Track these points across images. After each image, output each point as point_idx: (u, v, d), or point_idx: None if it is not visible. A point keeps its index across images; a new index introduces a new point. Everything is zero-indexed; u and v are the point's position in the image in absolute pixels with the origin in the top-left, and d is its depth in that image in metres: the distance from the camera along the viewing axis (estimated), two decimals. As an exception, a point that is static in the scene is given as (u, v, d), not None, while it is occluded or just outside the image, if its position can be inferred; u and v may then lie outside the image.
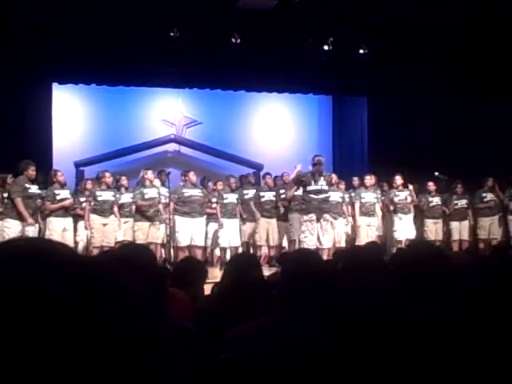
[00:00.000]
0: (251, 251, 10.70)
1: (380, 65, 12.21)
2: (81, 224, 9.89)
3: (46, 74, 11.59)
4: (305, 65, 12.17)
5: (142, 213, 9.79)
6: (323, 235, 9.48)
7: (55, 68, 11.50)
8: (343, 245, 10.32)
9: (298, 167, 9.96)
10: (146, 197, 9.81)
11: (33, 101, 11.32)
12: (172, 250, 10.05)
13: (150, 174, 10.02)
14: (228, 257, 10.08)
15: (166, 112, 14.21)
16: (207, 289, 4.64)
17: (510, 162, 11.11)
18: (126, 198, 9.94)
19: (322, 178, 9.55)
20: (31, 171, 8.77)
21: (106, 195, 9.71)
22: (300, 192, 9.85)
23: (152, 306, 0.73)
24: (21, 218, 8.60)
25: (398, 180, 10.68)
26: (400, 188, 10.73)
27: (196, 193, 10.07)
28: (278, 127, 14.87)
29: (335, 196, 10.24)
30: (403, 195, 10.71)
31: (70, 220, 9.47)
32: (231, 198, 10.45)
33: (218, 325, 2.56)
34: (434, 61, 12.04)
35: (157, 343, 0.71)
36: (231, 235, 10.30)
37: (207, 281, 6.80)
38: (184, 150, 14.15)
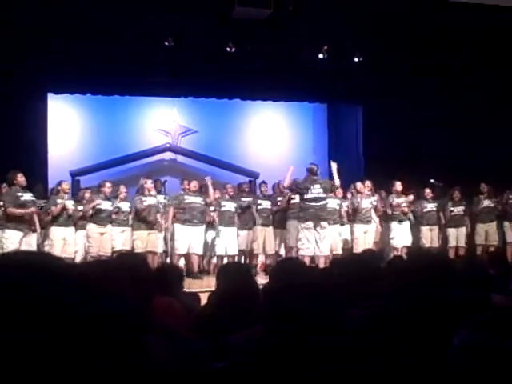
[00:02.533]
0: (248, 259, 10.72)
1: (375, 72, 12.24)
2: (79, 233, 9.86)
3: (42, 84, 11.58)
4: (300, 73, 12.20)
5: (142, 219, 9.75)
6: (321, 242, 9.48)
7: (50, 78, 11.49)
8: (339, 252, 10.32)
9: (290, 169, 9.94)
10: (145, 204, 9.80)
11: (28, 111, 11.31)
12: (169, 258, 10.08)
13: (149, 184, 10.01)
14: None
15: (162, 121, 14.24)
16: (204, 297, 4.63)
17: (507, 168, 11.14)
18: (124, 206, 9.91)
19: (318, 186, 9.54)
20: (19, 178, 8.78)
21: (104, 204, 9.66)
22: (297, 199, 9.87)
23: (138, 314, 0.73)
24: (23, 223, 8.64)
25: (399, 186, 10.69)
26: (399, 195, 10.73)
27: (197, 200, 10.10)
28: (273, 135, 14.90)
29: (333, 203, 10.25)
30: (401, 202, 10.71)
31: (71, 229, 9.44)
32: (229, 205, 10.44)
33: (216, 333, 2.55)
34: (429, 68, 12.08)
35: (142, 347, 0.72)
36: (228, 243, 10.28)
37: (204, 289, 6.80)
38: (180, 158, 14.18)
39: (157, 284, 2.48)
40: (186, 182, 10.32)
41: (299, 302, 1.50)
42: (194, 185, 10.23)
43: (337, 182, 9.87)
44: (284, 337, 1.40)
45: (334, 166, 9.99)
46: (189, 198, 10.03)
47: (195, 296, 4.74)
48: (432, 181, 11.03)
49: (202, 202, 10.18)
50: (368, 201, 10.65)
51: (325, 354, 1.41)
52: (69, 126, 13.57)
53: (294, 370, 1.38)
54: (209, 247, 10.66)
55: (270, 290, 2.32)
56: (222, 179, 12.47)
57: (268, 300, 1.63)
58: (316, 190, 9.48)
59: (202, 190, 10.71)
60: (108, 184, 9.84)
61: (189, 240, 9.89)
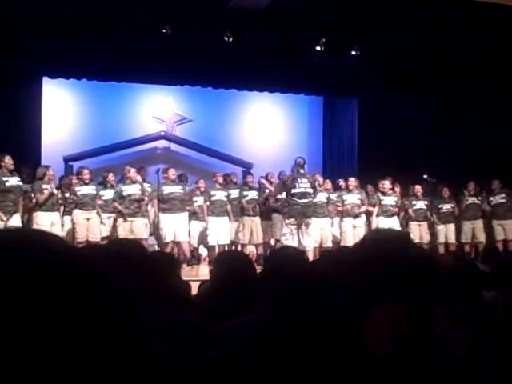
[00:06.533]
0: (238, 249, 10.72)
1: (372, 66, 12.24)
2: (65, 219, 9.83)
3: (37, 67, 11.53)
4: (296, 65, 12.18)
5: (119, 211, 9.76)
6: (303, 238, 9.46)
7: (46, 62, 11.44)
8: (330, 245, 10.34)
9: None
10: (124, 194, 9.75)
11: (23, 94, 11.26)
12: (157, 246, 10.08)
13: (131, 172, 9.93)
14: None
15: (157, 109, 14.19)
16: (194, 287, 4.63)
17: (498, 166, 11.18)
18: (110, 194, 9.90)
19: (306, 181, 9.49)
20: (7, 160, 8.67)
21: (85, 189, 9.63)
22: (283, 195, 9.84)
23: (139, 300, 0.74)
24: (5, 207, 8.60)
25: (386, 184, 10.68)
26: (388, 192, 10.74)
27: (176, 190, 10.06)
28: (268, 126, 14.88)
29: (321, 196, 10.24)
30: (390, 200, 10.71)
31: (57, 214, 9.41)
32: (219, 195, 10.42)
33: (214, 322, 2.55)
34: (425, 64, 12.09)
35: (143, 336, 0.72)
36: (220, 233, 10.27)
37: (195, 278, 6.81)
38: (174, 147, 14.14)
39: (150, 271, 2.48)
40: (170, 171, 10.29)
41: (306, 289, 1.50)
42: (173, 173, 10.15)
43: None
44: (287, 324, 1.41)
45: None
46: (167, 189, 9.95)
47: (186, 284, 4.75)
48: (425, 176, 11.06)
49: (182, 191, 10.12)
50: (356, 196, 10.68)
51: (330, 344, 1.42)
52: (63, 111, 13.50)
53: (296, 357, 1.39)
54: (197, 238, 10.67)
55: (272, 277, 2.32)
56: (216, 169, 12.45)
57: (269, 286, 1.63)
58: (304, 185, 9.42)
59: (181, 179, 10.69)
60: (85, 171, 9.79)
61: (173, 228, 9.87)
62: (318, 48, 12.00)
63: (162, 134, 13.99)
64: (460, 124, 12.28)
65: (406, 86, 12.44)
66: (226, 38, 11.35)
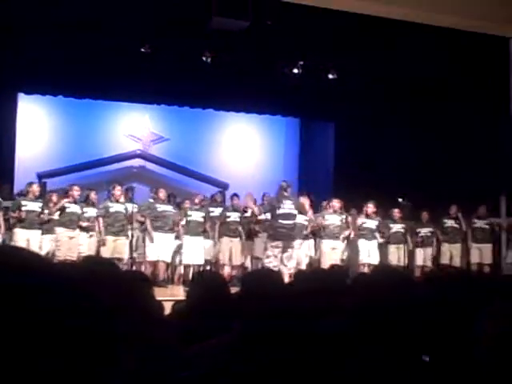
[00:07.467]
0: (213, 270, 10.67)
1: (349, 90, 12.37)
2: (45, 237, 9.70)
3: (12, 83, 11.44)
4: (274, 86, 12.27)
5: (106, 227, 9.72)
6: (288, 261, 9.36)
7: (22, 78, 11.36)
8: (303, 267, 10.31)
9: (248, 198, 9.79)
10: (111, 210, 9.74)
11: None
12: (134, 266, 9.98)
13: (116, 191, 9.91)
14: (191, 275, 10.04)
15: (133, 127, 14.17)
16: (167, 307, 4.58)
17: (476, 191, 11.29)
18: (92, 212, 9.84)
19: (290, 202, 9.36)
20: None
21: (73, 208, 9.61)
22: (268, 216, 9.68)
23: (114, 317, 0.72)
24: None
25: (370, 208, 10.76)
26: (371, 215, 10.80)
27: (169, 208, 10.13)
28: (245, 147, 14.93)
29: (300, 219, 10.22)
30: (372, 224, 10.79)
31: (36, 232, 9.31)
32: (195, 215, 10.43)
33: (187, 342, 2.53)
34: (402, 88, 12.24)
35: (117, 352, 0.71)
36: (194, 253, 10.25)
37: (168, 298, 6.74)
38: (149, 165, 14.10)
39: (123, 290, 2.44)
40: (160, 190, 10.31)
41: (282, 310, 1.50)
42: (163, 193, 10.24)
43: (310, 215, 10.02)
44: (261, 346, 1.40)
45: (304, 200, 9.99)
46: (161, 207, 10.03)
47: (159, 305, 4.69)
48: (400, 200, 11.12)
49: (174, 211, 10.17)
50: (338, 218, 10.68)
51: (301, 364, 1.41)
52: (38, 128, 13.40)
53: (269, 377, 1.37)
54: (175, 256, 10.61)
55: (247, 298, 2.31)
56: (191, 189, 12.45)
57: (244, 307, 1.61)
58: (288, 206, 9.29)
59: (170, 199, 10.70)
60: (76, 187, 9.79)
61: (159, 247, 9.86)
62: (296, 70, 12.11)
63: (138, 152, 13.95)
64: (438, 147, 12.38)
65: (382, 112, 12.56)
66: (204, 58, 11.41)
